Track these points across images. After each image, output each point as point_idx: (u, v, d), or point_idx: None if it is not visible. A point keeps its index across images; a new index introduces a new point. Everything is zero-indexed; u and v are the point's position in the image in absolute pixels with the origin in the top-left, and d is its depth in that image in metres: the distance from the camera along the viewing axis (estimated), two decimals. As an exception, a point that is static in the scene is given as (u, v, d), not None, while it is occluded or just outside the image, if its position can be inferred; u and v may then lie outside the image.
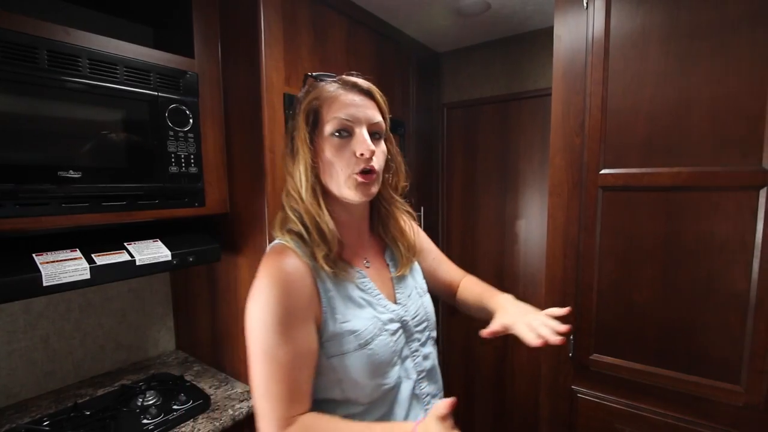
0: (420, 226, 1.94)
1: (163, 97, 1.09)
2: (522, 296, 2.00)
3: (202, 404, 1.17)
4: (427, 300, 0.87)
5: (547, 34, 1.76)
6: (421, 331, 0.82)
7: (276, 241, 0.74)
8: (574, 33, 1.14)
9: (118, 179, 1.02)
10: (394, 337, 0.74)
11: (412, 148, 1.92)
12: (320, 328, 0.69)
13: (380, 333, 0.72)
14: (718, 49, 0.96)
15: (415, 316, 0.80)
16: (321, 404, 0.72)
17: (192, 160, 1.16)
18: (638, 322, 1.11)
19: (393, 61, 1.77)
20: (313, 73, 0.74)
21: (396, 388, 0.75)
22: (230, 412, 1.15)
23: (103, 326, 1.40)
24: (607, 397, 1.17)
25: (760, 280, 0.95)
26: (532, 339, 0.70)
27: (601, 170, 1.12)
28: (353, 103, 0.69)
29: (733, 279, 0.98)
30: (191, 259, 1.17)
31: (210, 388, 1.30)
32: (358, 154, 0.68)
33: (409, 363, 0.78)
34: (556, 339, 0.68)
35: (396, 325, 0.76)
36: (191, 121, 1.15)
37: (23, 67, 0.87)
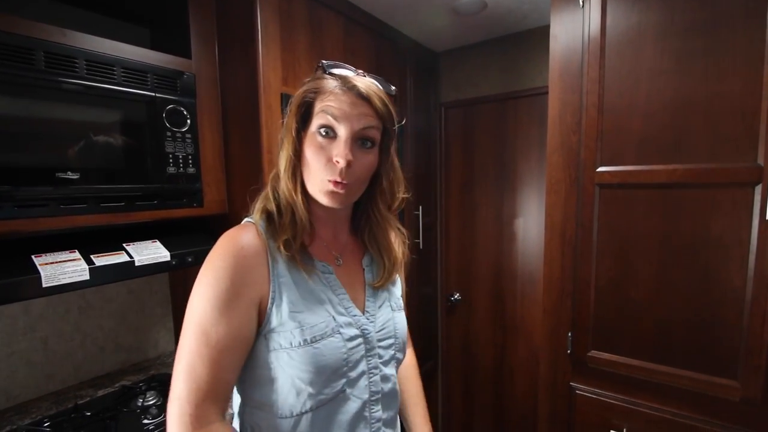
0: (419, 225, 1.96)
1: (161, 98, 1.09)
2: (520, 294, 2.03)
3: (202, 404, 1.17)
4: (400, 318, 0.79)
5: (544, 32, 1.77)
6: (386, 348, 0.74)
7: (246, 219, 0.72)
8: (570, 32, 1.14)
9: (117, 180, 1.03)
10: (349, 344, 0.68)
11: (410, 148, 1.92)
12: (264, 315, 0.64)
13: (332, 334, 0.66)
14: (713, 46, 0.97)
15: (381, 330, 0.74)
16: (248, 408, 0.69)
17: (190, 161, 1.16)
18: (635, 319, 1.11)
19: (390, 60, 1.77)
20: (327, 62, 0.69)
21: (337, 403, 0.67)
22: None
23: (102, 327, 1.40)
24: (605, 394, 1.18)
25: (755, 276, 0.96)
26: None
27: (597, 168, 1.13)
28: (344, 104, 0.64)
29: (729, 275, 0.99)
30: (190, 260, 1.17)
31: (210, 388, 1.30)
32: (334, 161, 0.64)
33: (363, 381, 0.70)
34: None
35: (354, 332, 0.69)
36: (189, 121, 1.16)
37: (20, 68, 0.87)
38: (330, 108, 0.64)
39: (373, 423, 0.72)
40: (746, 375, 0.98)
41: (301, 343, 0.63)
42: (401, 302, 0.83)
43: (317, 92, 0.66)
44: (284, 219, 0.67)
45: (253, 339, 0.64)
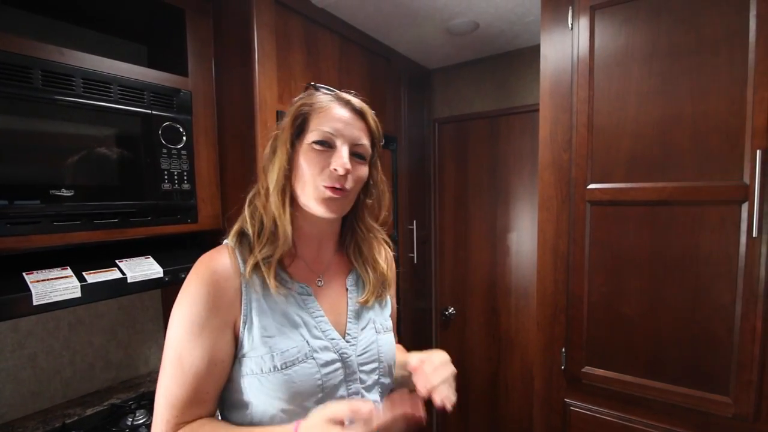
0: (413, 239, 1.97)
1: (157, 115, 1.10)
2: (515, 308, 2.03)
3: (194, 423, 1.15)
4: (385, 340, 0.76)
5: (535, 51, 1.80)
6: (368, 373, 0.71)
7: (225, 241, 0.72)
8: (559, 52, 1.17)
9: (111, 197, 1.03)
10: (325, 370, 0.65)
11: (404, 163, 1.94)
12: (237, 339, 0.64)
13: (305, 359, 0.64)
14: (698, 68, 1.00)
15: (363, 353, 0.71)
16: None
17: (185, 177, 1.17)
18: (628, 335, 1.12)
19: (384, 77, 1.80)
20: (316, 84, 0.73)
21: None
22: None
23: (92, 344, 1.38)
24: (599, 410, 1.18)
25: (744, 292, 0.97)
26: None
27: (588, 185, 1.14)
28: (341, 119, 0.67)
29: (719, 291, 1.00)
30: (183, 276, 1.15)
31: (201, 406, 1.28)
32: (332, 169, 0.65)
33: None
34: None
35: (331, 356, 0.67)
36: (184, 138, 1.16)
37: (17, 86, 0.87)
38: (328, 122, 0.66)
39: None
40: (738, 391, 0.99)
41: (272, 369, 0.62)
42: (389, 324, 0.79)
43: (312, 106, 0.68)
44: (262, 238, 0.67)
45: (230, 362, 0.64)
